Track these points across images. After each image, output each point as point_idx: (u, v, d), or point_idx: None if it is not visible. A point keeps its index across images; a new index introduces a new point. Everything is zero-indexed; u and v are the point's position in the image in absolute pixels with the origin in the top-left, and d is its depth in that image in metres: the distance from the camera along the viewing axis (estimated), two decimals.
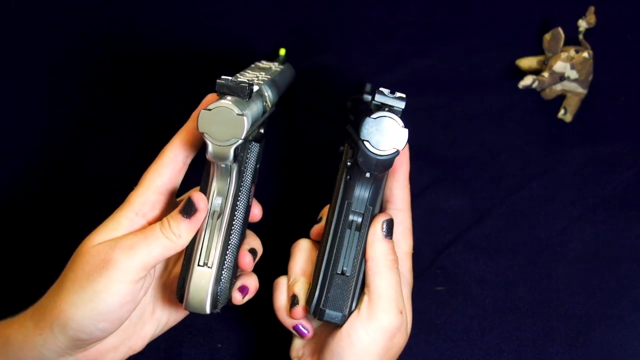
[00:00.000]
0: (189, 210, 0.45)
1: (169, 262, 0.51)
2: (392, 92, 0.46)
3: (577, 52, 0.65)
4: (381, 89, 0.46)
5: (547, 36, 0.67)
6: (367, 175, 0.47)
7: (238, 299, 0.49)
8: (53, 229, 0.63)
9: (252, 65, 0.60)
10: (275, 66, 0.61)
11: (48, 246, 0.62)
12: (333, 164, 0.52)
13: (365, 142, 0.44)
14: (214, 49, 0.69)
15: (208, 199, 0.47)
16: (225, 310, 0.61)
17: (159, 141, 0.48)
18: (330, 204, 0.50)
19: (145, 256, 0.44)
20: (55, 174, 0.65)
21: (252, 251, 0.50)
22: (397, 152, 0.45)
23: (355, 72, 0.69)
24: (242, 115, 0.44)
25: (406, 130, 0.44)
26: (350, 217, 0.48)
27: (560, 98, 0.68)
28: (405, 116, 0.46)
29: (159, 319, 0.50)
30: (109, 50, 0.70)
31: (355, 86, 0.68)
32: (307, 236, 0.52)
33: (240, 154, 0.45)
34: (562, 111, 0.67)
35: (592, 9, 0.67)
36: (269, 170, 0.65)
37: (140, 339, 0.49)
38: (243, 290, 0.49)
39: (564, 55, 0.65)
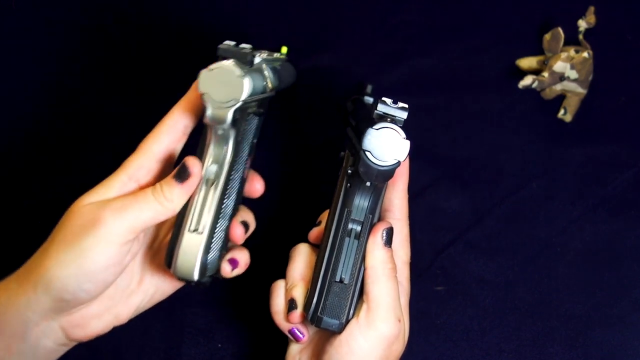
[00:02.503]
0: (182, 174, 0.45)
1: (159, 233, 0.51)
2: (395, 102, 0.46)
3: (577, 52, 0.65)
4: (384, 98, 0.46)
5: (547, 36, 0.67)
6: (368, 184, 0.47)
7: (227, 270, 0.48)
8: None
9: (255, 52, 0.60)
10: (277, 55, 0.61)
11: None
12: (333, 165, 0.52)
13: (367, 153, 0.45)
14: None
15: (203, 165, 0.46)
16: (225, 310, 0.61)
17: None
18: (329, 210, 0.50)
19: (134, 218, 0.43)
20: (55, 173, 0.65)
21: (244, 224, 0.49)
22: (399, 163, 0.45)
23: (355, 72, 0.69)
24: (243, 76, 0.43)
25: (408, 142, 0.45)
26: (350, 226, 0.48)
27: (560, 98, 0.68)
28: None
29: (147, 290, 0.50)
30: (109, 50, 0.70)
31: (355, 86, 0.68)
32: (305, 239, 0.52)
33: (238, 120, 0.45)
34: (562, 111, 0.67)
35: (592, 9, 0.67)
36: (268, 170, 0.64)
37: (126, 309, 0.49)
38: (233, 262, 0.48)
39: (564, 55, 0.65)
